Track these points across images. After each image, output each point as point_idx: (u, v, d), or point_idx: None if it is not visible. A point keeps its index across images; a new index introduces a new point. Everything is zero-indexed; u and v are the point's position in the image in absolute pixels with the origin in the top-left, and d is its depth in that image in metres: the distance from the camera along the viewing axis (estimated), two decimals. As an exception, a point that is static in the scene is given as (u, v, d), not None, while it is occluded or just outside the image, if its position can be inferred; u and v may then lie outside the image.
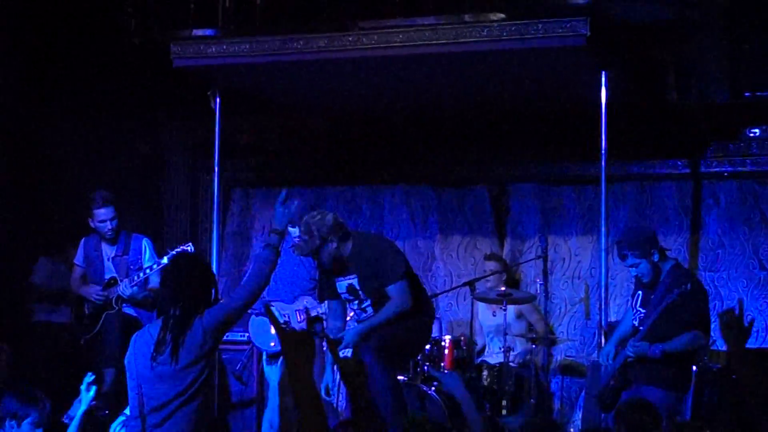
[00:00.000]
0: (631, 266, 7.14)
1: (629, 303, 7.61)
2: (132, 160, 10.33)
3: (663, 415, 5.93)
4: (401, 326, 7.02)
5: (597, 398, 7.31)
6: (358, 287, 7.00)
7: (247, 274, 5.52)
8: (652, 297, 7.09)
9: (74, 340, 8.63)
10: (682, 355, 7.14)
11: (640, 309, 7.21)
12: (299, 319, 8.14)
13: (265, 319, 8.22)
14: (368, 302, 7.05)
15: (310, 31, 8.15)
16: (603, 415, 7.22)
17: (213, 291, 5.36)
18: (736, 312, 4.24)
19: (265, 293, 8.28)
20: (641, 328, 7.11)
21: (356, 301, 7.09)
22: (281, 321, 8.07)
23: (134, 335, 5.38)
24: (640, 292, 7.26)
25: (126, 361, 5.31)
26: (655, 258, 7.11)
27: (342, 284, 7.09)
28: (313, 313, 8.19)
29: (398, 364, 7.44)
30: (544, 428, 6.13)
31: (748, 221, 9.55)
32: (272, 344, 8.30)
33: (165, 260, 7.95)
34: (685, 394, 7.50)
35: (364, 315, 7.11)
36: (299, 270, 8.35)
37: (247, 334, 9.69)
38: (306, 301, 8.29)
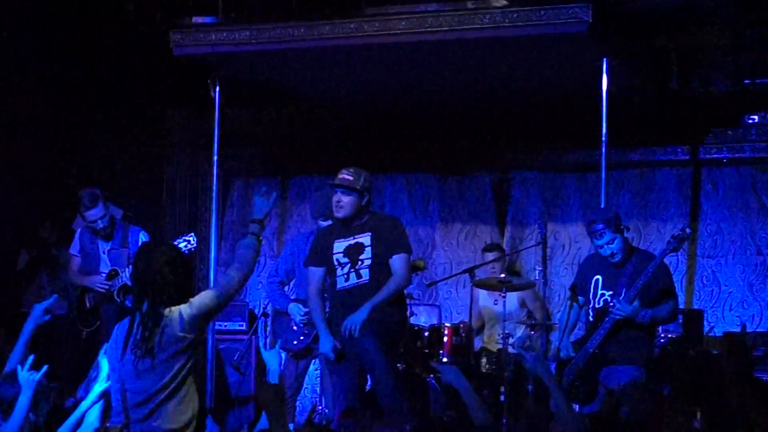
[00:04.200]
0: (608, 243, 7.06)
1: (568, 296, 7.57)
2: (135, 150, 10.29)
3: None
4: (393, 310, 7.10)
5: (569, 390, 7.27)
6: (368, 245, 7.07)
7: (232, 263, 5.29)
8: (622, 278, 7.04)
9: (75, 333, 8.53)
10: (662, 323, 7.42)
11: (604, 291, 7.14)
12: None
13: (287, 317, 8.21)
14: (365, 265, 7.07)
15: (311, 18, 8.10)
16: (577, 406, 7.14)
17: (188, 281, 5.15)
18: None
19: (292, 293, 8.30)
20: (628, 294, 6.98)
21: (349, 264, 7.10)
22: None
23: (115, 327, 5.12)
24: (598, 277, 7.19)
25: (107, 355, 5.09)
26: (626, 234, 7.17)
27: (341, 245, 7.13)
28: None
29: (394, 349, 7.42)
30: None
31: (746, 207, 9.67)
32: (295, 342, 8.19)
33: None
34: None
35: (353, 281, 7.11)
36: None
37: (244, 324, 9.73)
38: None
